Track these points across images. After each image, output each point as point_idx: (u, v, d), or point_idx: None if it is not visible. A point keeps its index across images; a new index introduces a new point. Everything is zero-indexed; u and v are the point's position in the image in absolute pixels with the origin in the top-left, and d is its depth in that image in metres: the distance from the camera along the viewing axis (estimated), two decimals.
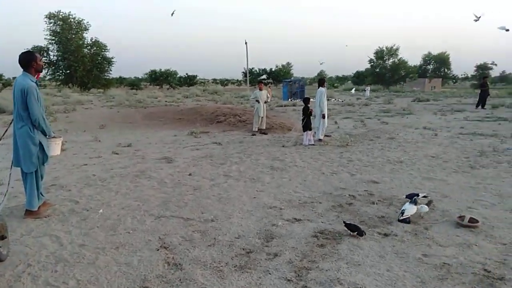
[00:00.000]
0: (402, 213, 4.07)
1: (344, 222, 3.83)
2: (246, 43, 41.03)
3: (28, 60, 4.17)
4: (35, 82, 4.21)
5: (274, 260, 3.24)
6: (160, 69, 54.20)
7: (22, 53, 4.19)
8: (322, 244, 3.53)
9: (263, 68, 67.45)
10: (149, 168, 6.59)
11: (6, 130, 4.34)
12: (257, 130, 11.24)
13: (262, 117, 11.34)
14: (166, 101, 24.11)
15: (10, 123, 4.26)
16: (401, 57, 57.75)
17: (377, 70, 58.82)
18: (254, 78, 56.37)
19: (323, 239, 3.66)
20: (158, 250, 3.45)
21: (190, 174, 6.14)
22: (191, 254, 3.37)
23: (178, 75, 56.96)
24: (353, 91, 34.20)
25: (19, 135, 4.15)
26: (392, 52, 57.59)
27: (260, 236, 3.74)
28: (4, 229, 3.33)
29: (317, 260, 3.23)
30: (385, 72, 56.90)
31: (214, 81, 72.92)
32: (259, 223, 4.07)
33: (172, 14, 28.05)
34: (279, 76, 62.00)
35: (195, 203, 4.75)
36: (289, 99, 26.85)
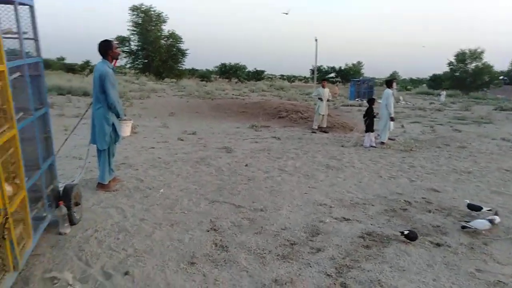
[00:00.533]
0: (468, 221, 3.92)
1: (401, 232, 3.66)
2: (316, 40, 40.53)
3: (106, 48, 4.61)
4: (112, 69, 4.66)
5: (316, 254, 3.29)
6: (230, 63, 55.65)
7: (101, 41, 4.63)
8: (367, 246, 3.49)
9: (332, 66, 66.13)
10: (209, 156, 6.93)
11: (86, 111, 4.86)
12: (317, 128, 11.17)
13: (323, 115, 11.24)
14: (233, 94, 24.80)
15: (90, 105, 4.76)
16: (485, 61, 52.80)
17: (457, 74, 54.52)
18: (322, 75, 55.52)
19: (369, 240, 3.61)
20: (208, 231, 3.68)
21: (246, 165, 6.35)
22: (238, 238, 3.54)
23: (246, 70, 58.02)
24: (442, 97, 28.67)
25: (96, 116, 4.63)
26: (475, 55, 52.90)
27: (306, 230, 3.80)
28: (79, 197, 3.78)
29: (360, 260, 3.21)
30: (466, 77, 52.46)
31: (282, 77, 73.01)
32: (307, 218, 4.13)
33: (286, 13, 28.56)
34: (348, 75, 60.34)
35: (247, 192, 4.93)
36: (356, 99, 26.11)
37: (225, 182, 5.34)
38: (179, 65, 42.37)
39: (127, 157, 6.55)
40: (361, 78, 36.72)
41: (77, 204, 3.71)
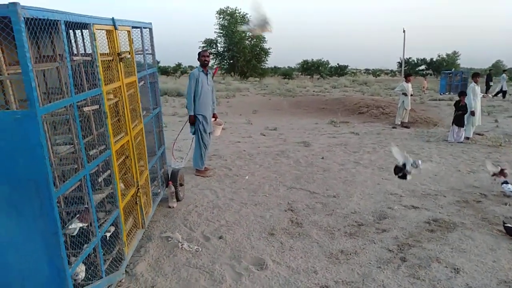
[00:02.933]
0: None
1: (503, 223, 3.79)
2: (404, 31, 38.65)
3: (198, 56, 5.58)
4: (202, 71, 5.54)
5: (381, 234, 3.69)
6: (312, 59, 55.57)
7: (199, 52, 5.59)
8: (432, 230, 3.78)
9: (422, 58, 61.94)
10: (289, 149, 7.54)
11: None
12: (399, 123, 11.07)
13: (406, 110, 11.09)
14: (313, 91, 25.09)
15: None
16: None
17: None
18: (411, 68, 52.46)
19: (435, 226, 3.88)
20: (285, 211, 4.30)
21: (322, 158, 6.82)
22: (311, 218, 4.10)
23: (329, 65, 57.37)
24: None
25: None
26: None
27: (374, 215, 4.19)
28: (182, 179, 4.69)
29: (422, 241, 3.54)
30: None
31: (366, 71, 70.54)
32: (376, 205, 4.50)
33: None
34: (441, 66, 56.01)
35: (322, 181, 5.43)
36: (446, 93, 24.46)
37: (302, 172, 5.90)
38: (262, 64, 43.79)
39: (217, 149, 7.48)
40: (453, 70, 34.05)
41: (181, 184, 4.62)
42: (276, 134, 9.41)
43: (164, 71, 46.63)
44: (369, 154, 7.22)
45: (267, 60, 44.09)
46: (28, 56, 1.78)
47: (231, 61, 42.59)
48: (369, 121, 12.19)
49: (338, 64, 59.65)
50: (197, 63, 5.62)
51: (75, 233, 2.25)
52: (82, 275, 2.36)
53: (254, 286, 2.84)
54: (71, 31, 3.20)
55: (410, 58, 60.63)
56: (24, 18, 1.76)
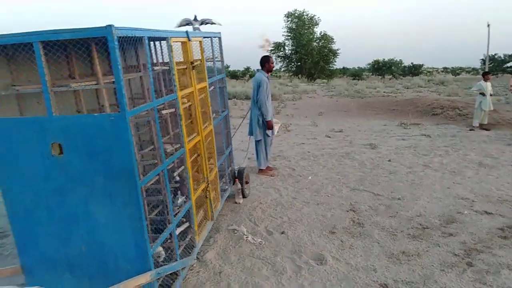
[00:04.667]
0: None
1: None
2: (488, 25, 35.44)
3: (263, 61, 5.80)
4: (267, 77, 5.78)
5: (447, 238, 3.59)
6: (384, 59, 53.34)
7: (262, 56, 5.84)
8: (505, 237, 3.58)
9: (510, 53, 56.07)
10: (354, 151, 7.48)
11: (247, 113, 6.15)
12: (477, 125, 10.30)
13: (485, 111, 10.28)
14: (384, 92, 24.18)
15: (250, 108, 6.04)
16: None
17: None
18: (497, 65, 47.80)
19: (509, 232, 3.66)
20: (347, 211, 4.35)
21: (389, 160, 6.67)
22: (373, 218, 4.11)
23: (402, 65, 54.60)
24: None
25: (252, 113, 5.87)
26: None
27: (441, 219, 4.07)
28: (248, 178, 4.97)
29: (493, 247, 3.38)
30: None
31: (444, 69, 65.64)
32: (444, 209, 4.35)
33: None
34: None
35: (387, 184, 5.35)
36: None
37: (366, 174, 5.86)
38: (330, 65, 43.19)
39: (282, 150, 7.69)
40: None
41: (247, 182, 4.90)
42: (342, 136, 9.36)
43: (234, 75, 48.09)
44: (440, 157, 6.89)
45: (335, 61, 43.38)
46: (120, 68, 2.14)
47: (299, 63, 42.63)
48: (443, 123, 11.50)
49: (412, 63, 56.47)
50: (256, 66, 5.88)
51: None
52: (162, 256, 2.72)
53: (313, 279, 2.98)
54: (151, 43, 3.64)
55: (496, 54, 55.28)
56: (117, 37, 2.12)
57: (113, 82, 2.36)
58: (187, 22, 3.69)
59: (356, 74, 53.39)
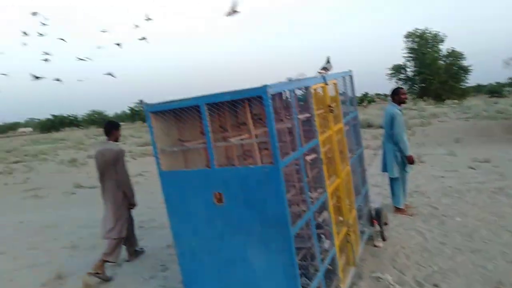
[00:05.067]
0: None
1: None
2: None
3: (394, 93, 5.54)
4: (399, 110, 5.45)
5: None
6: None
7: (393, 89, 5.58)
8: None
9: None
10: (509, 185, 6.43)
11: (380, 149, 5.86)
12: None
13: None
14: None
15: (382, 143, 5.74)
16: None
17: None
18: None
19: None
20: None
21: None
22: None
23: None
24: None
25: (386, 149, 5.54)
26: None
27: None
28: (387, 218, 4.68)
29: None
30: None
31: None
32: None
33: None
34: None
35: None
36: None
37: None
38: (461, 84, 38.97)
39: (418, 185, 7.08)
40: None
41: (385, 223, 4.61)
42: (489, 167, 8.17)
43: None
44: None
45: (467, 79, 38.99)
46: (273, 124, 2.28)
47: (423, 85, 39.57)
48: None
49: None
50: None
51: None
52: None
53: None
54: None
55: None
56: (270, 95, 2.28)
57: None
58: (323, 68, 3.78)
59: (494, 91, 46.99)
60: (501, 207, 5.39)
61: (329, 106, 3.37)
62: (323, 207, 3.21)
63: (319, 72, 3.66)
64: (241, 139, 2.62)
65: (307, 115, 3.00)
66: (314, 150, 3.07)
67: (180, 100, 2.57)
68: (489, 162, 8.71)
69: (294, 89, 2.71)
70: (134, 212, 4.97)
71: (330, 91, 3.59)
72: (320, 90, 3.32)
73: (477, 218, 5.04)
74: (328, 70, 3.77)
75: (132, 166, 13.83)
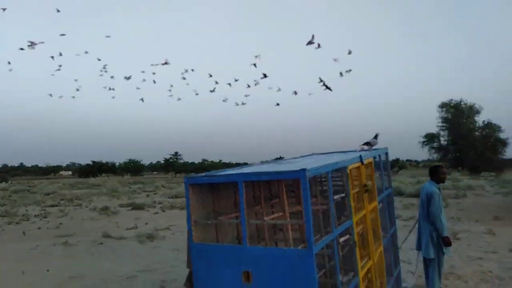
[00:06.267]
0: None
1: None
2: None
3: (434, 171, 5.39)
4: (438, 188, 5.31)
5: None
6: None
7: (432, 166, 5.47)
8: None
9: None
10: None
11: (414, 226, 5.64)
12: None
13: None
14: None
15: (417, 221, 5.53)
16: None
17: None
18: None
19: None
20: None
21: None
22: None
23: None
24: None
25: (422, 227, 5.31)
26: None
27: None
28: None
29: None
30: None
31: None
32: None
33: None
34: None
35: None
36: None
37: None
38: (499, 156, 37.72)
39: (453, 266, 6.66)
40: None
41: None
42: None
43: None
44: None
45: (505, 152, 37.76)
46: (310, 207, 2.31)
47: (457, 155, 38.61)
48: None
49: None
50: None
51: None
52: None
53: None
54: None
55: None
56: (308, 178, 2.33)
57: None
58: (367, 143, 3.86)
59: None
60: None
61: (365, 186, 3.37)
62: None
63: (362, 146, 3.73)
64: (274, 218, 2.65)
65: (342, 195, 3.02)
66: (347, 230, 3.03)
67: (220, 175, 2.67)
68: None
69: (332, 170, 2.76)
70: (158, 270, 4.94)
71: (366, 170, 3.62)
72: (357, 169, 3.35)
73: None
74: (371, 146, 3.83)
75: (160, 219, 13.97)
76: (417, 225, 5.58)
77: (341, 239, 2.97)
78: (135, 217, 14.40)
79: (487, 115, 46.77)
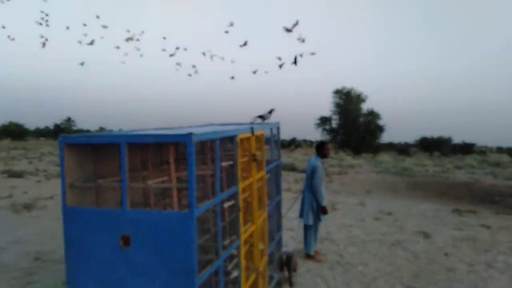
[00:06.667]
0: None
1: None
2: None
3: (319, 147, 5.95)
4: (322, 163, 5.87)
5: None
6: (432, 136, 52.13)
7: (318, 143, 6.00)
8: None
9: None
10: (406, 239, 7.11)
11: (299, 195, 6.18)
12: None
13: None
14: (434, 171, 23.32)
15: (302, 191, 6.07)
16: None
17: None
18: None
19: None
20: None
21: (446, 254, 6.24)
22: None
23: (452, 143, 52.91)
24: None
25: (306, 197, 5.88)
26: None
27: None
28: (296, 265, 4.86)
29: None
30: None
31: (499, 149, 62.50)
32: None
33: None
34: None
35: (446, 283, 4.97)
36: None
37: (421, 269, 5.50)
38: (376, 140, 42.98)
39: (329, 232, 7.49)
40: None
41: (294, 270, 4.77)
42: (391, 220, 8.98)
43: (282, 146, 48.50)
44: (505, 255, 6.34)
45: (381, 136, 43.21)
46: (194, 171, 2.32)
47: (345, 137, 42.85)
48: (503, 212, 10.72)
49: (463, 141, 54.53)
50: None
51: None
52: None
53: None
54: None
55: None
56: (195, 142, 2.33)
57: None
58: (260, 116, 3.99)
59: (402, 150, 52.10)
60: (397, 259, 5.91)
61: (253, 155, 3.52)
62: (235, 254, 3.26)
63: (255, 118, 3.85)
64: (160, 182, 2.61)
65: (231, 162, 3.10)
66: (233, 196, 3.15)
67: (101, 136, 2.51)
68: (392, 214, 9.58)
69: (220, 138, 2.80)
70: (33, 241, 4.52)
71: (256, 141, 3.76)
72: (246, 140, 3.46)
73: (376, 268, 5.46)
74: (264, 119, 3.98)
75: (43, 187, 12.64)
76: (301, 196, 6.13)
77: (227, 204, 3.08)
78: (11, 185, 12.79)
79: (371, 104, 52.57)
